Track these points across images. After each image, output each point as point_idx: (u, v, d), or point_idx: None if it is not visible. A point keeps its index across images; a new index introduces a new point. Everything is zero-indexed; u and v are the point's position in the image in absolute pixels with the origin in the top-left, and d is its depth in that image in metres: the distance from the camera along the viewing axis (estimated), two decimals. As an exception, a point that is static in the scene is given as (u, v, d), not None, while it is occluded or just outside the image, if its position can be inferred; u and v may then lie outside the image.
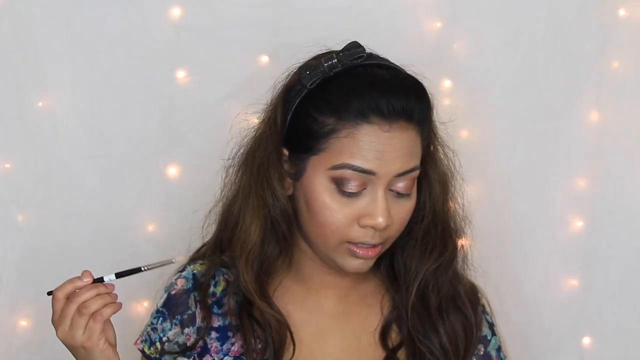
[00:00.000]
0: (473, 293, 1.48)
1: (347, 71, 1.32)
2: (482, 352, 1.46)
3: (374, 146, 1.28)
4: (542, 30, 1.80)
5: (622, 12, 1.80)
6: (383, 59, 1.37)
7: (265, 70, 1.74)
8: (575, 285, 1.84)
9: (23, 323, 1.75)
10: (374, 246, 1.33)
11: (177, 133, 1.79)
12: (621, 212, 1.82)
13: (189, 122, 1.78)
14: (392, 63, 1.37)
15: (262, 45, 1.78)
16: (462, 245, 1.46)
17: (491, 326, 1.48)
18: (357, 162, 1.28)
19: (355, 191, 1.30)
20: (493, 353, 1.47)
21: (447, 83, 1.80)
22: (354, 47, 1.35)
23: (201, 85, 1.78)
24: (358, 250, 1.32)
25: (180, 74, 1.78)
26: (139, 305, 1.78)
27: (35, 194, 1.75)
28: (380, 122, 1.29)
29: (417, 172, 1.33)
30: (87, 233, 1.77)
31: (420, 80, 1.35)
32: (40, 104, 1.75)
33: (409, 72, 1.38)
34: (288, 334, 1.37)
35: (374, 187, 1.30)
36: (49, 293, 1.34)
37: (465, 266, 1.47)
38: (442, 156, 1.42)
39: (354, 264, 1.34)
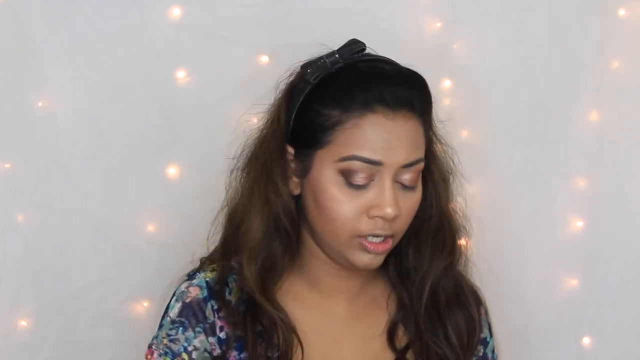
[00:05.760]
0: (476, 293, 1.48)
1: (349, 66, 1.34)
2: (481, 354, 1.46)
3: (380, 135, 1.29)
4: (542, 30, 1.80)
5: (622, 12, 1.80)
6: (383, 56, 1.38)
7: (265, 70, 1.73)
8: (575, 285, 1.84)
9: (23, 323, 1.74)
10: (385, 240, 1.32)
11: (177, 133, 1.78)
12: (621, 212, 1.82)
13: (189, 122, 1.78)
14: (392, 60, 1.38)
15: (262, 45, 1.78)
16: (462, 244, 1.47)
17: (489, 328, 1.49)
18: (365, 153, 1.29)
19: (363, 183, 1.30)
20: (489, 355, 1.47)
21: (447, 83, 1.80)
22: (354, 43, 1.37)
23: (201, 85, 1.78)
24: (369, 245, 1.32)
25: (180, 74, 1.77)
26: (139, 305, 1.78)
27: (35, 194, 1.74)
28: (385, 111, 1.29)
29: (421, 165, 1.33)
30: (87, 233, 1.76)
31: (421, 75, 1.36)
32: (40, 104, 1.74)
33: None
34: (294, 335, 1.35)
35: (381, 177, 1.30)
36: None
37: (467, 265, 1.48)
38: (442, 154, 1.43)
39: (365, 260, 1.33)
